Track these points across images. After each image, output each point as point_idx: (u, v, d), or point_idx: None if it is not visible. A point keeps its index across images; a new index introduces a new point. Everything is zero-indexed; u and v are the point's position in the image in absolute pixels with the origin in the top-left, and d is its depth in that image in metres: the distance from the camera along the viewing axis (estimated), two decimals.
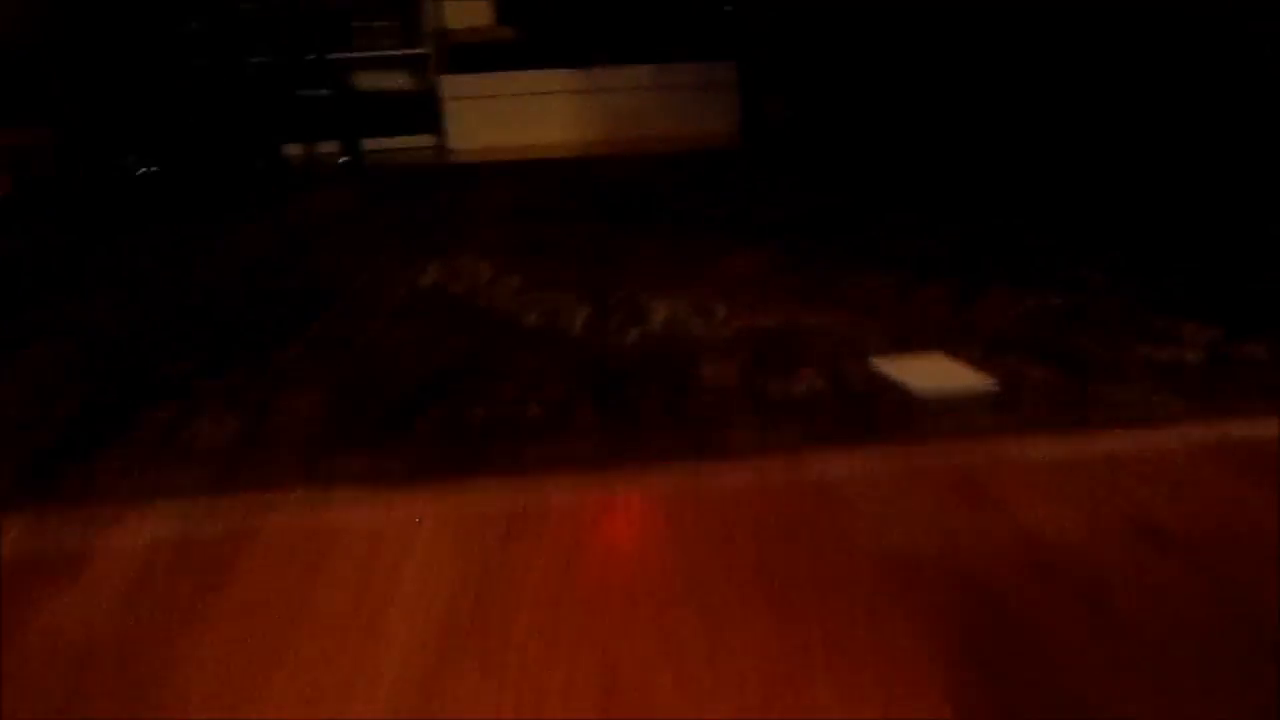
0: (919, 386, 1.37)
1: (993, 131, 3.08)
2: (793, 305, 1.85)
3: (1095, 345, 1.56)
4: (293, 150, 5.28)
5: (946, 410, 1.32)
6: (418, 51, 5.48)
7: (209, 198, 3.81)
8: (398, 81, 5.69)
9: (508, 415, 1.38)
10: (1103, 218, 2.61)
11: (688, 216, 2.79)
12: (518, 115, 5.39)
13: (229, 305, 2.10)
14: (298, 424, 1.39)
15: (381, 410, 1.42)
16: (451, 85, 5.34)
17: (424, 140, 5.55)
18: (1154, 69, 2.41)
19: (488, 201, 3.27)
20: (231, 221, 3.14)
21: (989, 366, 1.47)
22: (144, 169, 4.33)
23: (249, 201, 3.63)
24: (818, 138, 4.58)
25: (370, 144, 5.47)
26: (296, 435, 1.35)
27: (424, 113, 5.51)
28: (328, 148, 5.24)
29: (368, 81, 5.67)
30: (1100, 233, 2.41)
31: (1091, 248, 2.25)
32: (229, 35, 5.08)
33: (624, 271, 2.19)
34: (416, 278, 2.22)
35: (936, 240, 2.37)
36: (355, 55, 5.45)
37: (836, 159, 4.03)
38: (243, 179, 4.56)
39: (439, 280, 2.19)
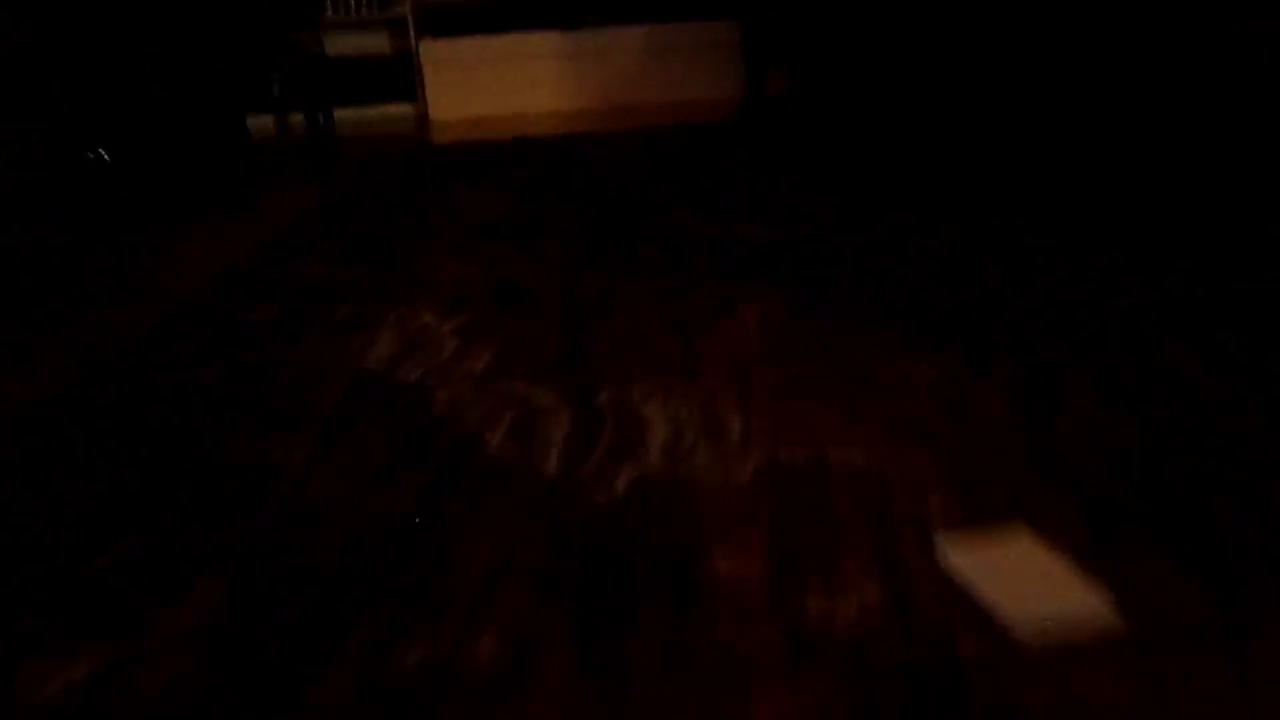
0: (1017, 617, 0.99)
1: (1001, 124, 2.87)
2: (819, 415, 1.46)
3: (1230, 506, 1.17)
4: (263, 122, 4.82)
5: (1061, 662, 0.94)
6: (394, 14, 5.00)
7: (153, 204, 3.37)
8: (374, 46, 5.21)
9: (448, 661, 1.00)
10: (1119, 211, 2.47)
11: (678, 239, 2.38)
12: (502, 82, 4.92)
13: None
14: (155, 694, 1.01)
15: (267, 661, 1.03)
16: (431, 50, 4.87)
17: (403, 109, 5.09)
18: (1152, 67, 2.35)
19: (460, 211, 2.86)
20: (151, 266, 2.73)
21: (1094, 556, 1.08)
22: (92, 155, 3.89)
23: (197, 212, 3.21)
24: (820, 115, 4.13)
25: (348, 114, 5.02)
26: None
27: (402, 80, 5.04)
28: (300, 117, 4.79)
29: (342, 46, 5.19)
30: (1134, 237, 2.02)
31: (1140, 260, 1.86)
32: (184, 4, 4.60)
33: (609, 338, 1.79)
34: (365, 352, 1.82)
35: (962, 280, 1.97)
36: (328, 20, 4.97)
37: (838, 142, 3.60)
38: (202, 167, 4.12)
39: (391, 356, 1.79)
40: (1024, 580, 1.04)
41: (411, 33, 4.96)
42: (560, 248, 2.41)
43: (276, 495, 1.33)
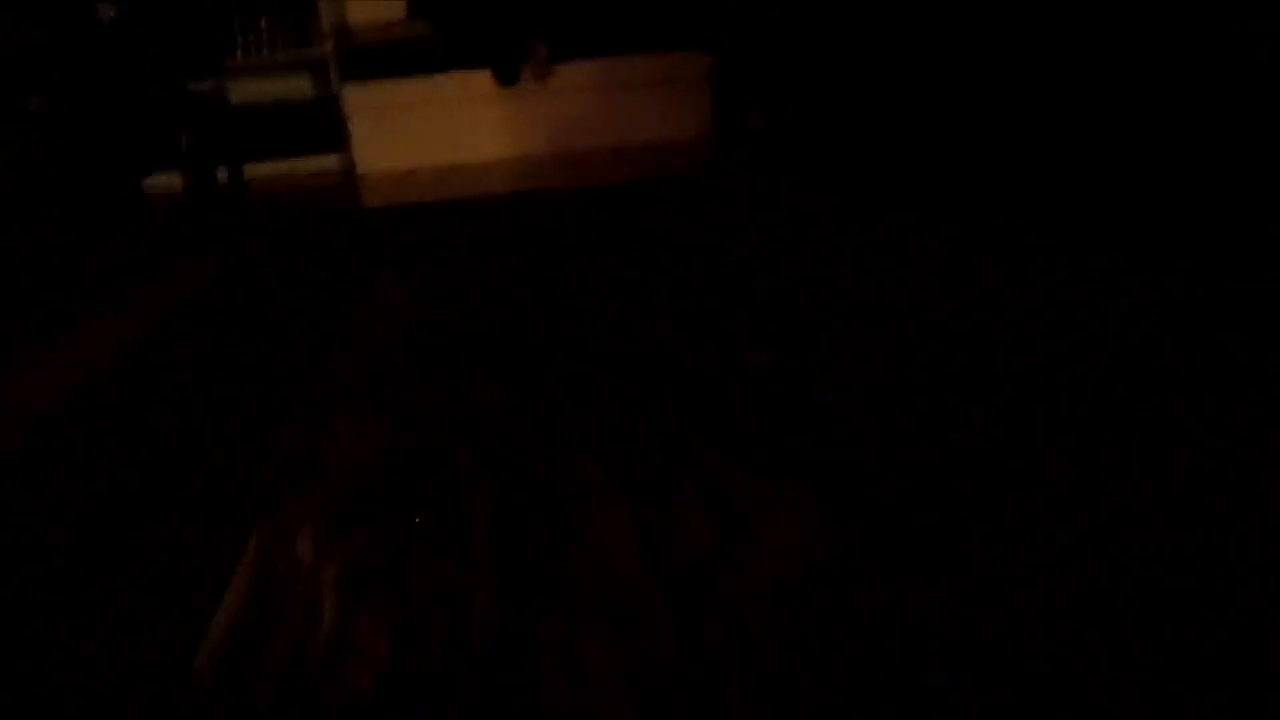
0: None
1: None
2: None
3: None
4: (170, 181, 4.16)
5: None
6: (314, 55, 4.35)
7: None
8: (293, 91, 4.56)
9: None
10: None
11: (658, 377, 1.77)
12: (439, 128, 4.28)
13: None
14: None
15: None
16: (357, 95, 4.23)
17: (328, 162, 4.44)
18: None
19: (372, 319, 2.24)
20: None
21: None
22: None
23: (54, 320, 2.55)
24: (802, 162, 3.55)
25: (266, 168, 4.37)
26: None
27: (327, 128, 4.39)
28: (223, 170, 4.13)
29: (256, 92, 4.54)
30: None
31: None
32: (79, 48, 3.94)
33: (567, 593, 1.18)
34: (183, 642, 1.19)
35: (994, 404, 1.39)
36: (238, 64, 4.32)
37: (824, 195, 3.01)
38: (87, 239, 3.45)
39: (226, 651, 1.16)
40: None
41: (334, 76, 4.32)
42: (500, 390, 1.79)
43: None
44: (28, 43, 3.80)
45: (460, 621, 1.15)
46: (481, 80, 4.19)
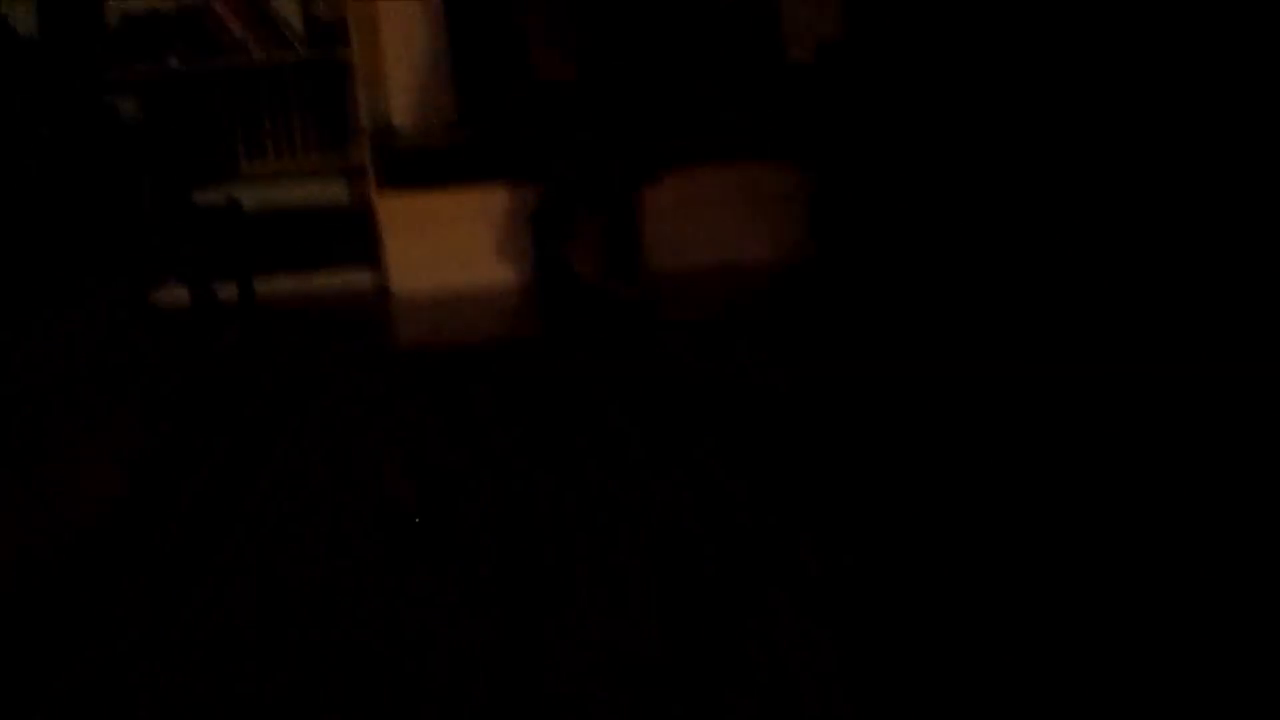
0: None
1: None
2: None
3: None
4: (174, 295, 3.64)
5: None
6: (348, 158, 3.86)
7: None
8: (324, 196, 4.05)
9: None
10: None
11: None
12: (482, 245, 3.73)
13: None
14: None
15: None
16: (393, 206, 3.70)
17: (359, 278, 3.90)
18: None
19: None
20: None
21: None
22: None
23: None
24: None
25: (288, 282, 3.85)
26: None
27: (357, 237, 3.87)
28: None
29: (284, 196, 4.03)
30: None
31: None
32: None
33: None
34: None
35: None
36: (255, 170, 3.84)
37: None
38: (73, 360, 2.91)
39: None
40: None
41: (370, 182, 3.81)
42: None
43: None
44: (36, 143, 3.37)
45: None
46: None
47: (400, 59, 4.00)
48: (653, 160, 3.48)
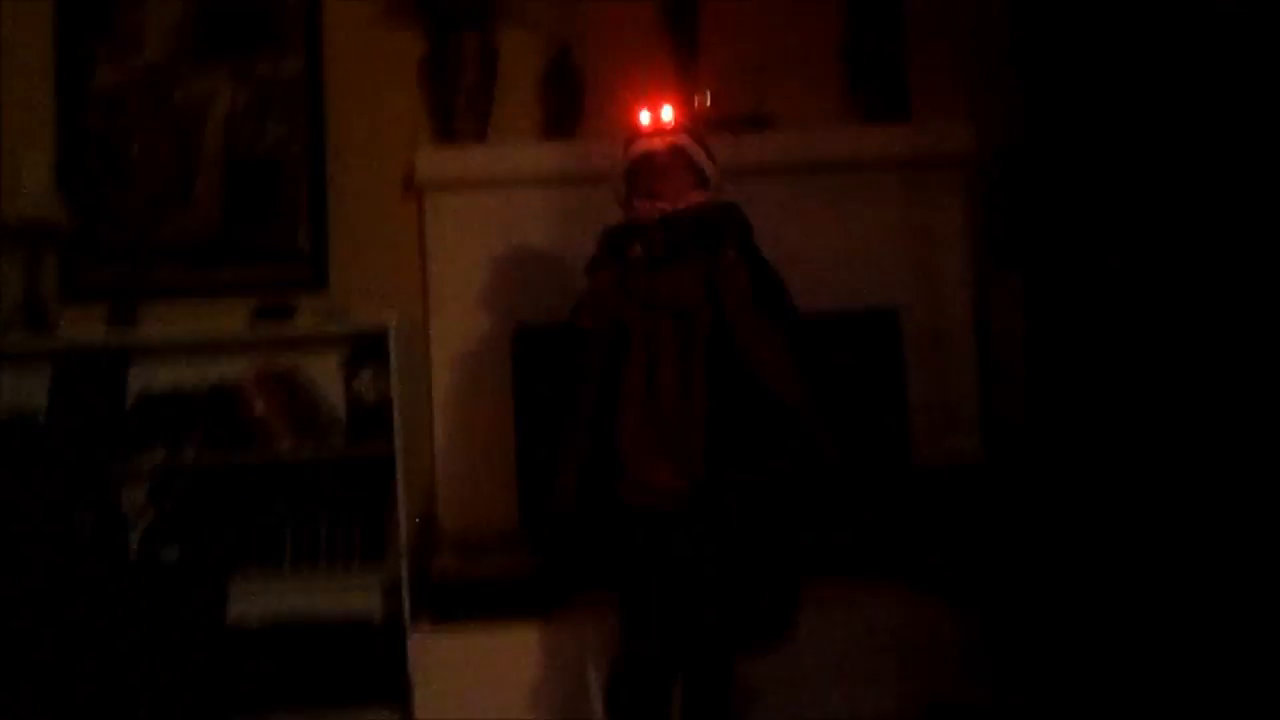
0: None
1: None
2: None
3: None
4: None
5: None
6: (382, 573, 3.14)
7: None
8: (350, 616, 3.30)
9: None
10: None
11: None
12: (522, 694, 2.90)
13: None
14: None
15: None
16: (427, 644, 2.93)
17: (379, 715, 3.08)
18: None
19: None
20: None
21: None
22: None
23: None
24: None
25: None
26: None
27: (386, 673, 3.08)
28: None
29: (303, 608, 3.29)
30: None
31: None
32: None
33: None
34: None
35: None
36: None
37: None
38: None
39: None
40: None
41: (404, 607, 3.07)
42: None
43: None
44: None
45: None
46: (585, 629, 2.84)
47: (453, 447, 3.35)
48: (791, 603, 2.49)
